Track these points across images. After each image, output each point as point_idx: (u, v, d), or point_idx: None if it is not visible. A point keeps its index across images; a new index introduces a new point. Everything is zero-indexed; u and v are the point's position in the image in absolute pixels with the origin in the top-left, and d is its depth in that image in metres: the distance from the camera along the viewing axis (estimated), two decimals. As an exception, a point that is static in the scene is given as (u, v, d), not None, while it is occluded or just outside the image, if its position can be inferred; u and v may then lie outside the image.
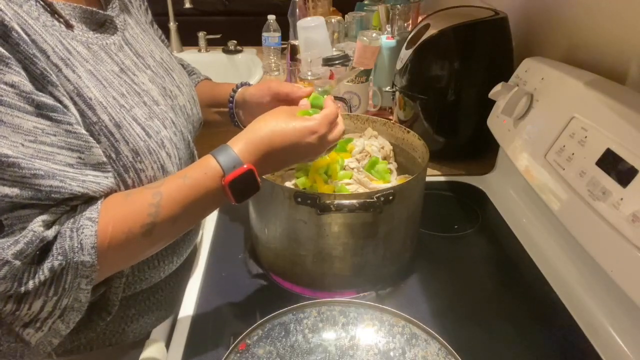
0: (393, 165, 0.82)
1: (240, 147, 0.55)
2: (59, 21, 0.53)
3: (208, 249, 0.81)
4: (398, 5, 1.27)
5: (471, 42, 0.96)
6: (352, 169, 0.77)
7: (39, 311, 0.48)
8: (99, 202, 0.51)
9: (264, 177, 0.60)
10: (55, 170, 0.47)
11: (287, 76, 1.46)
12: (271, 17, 1.59)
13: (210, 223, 0.87)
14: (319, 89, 0.98)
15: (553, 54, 0.92)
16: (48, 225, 0.47)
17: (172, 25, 1.75)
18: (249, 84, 0.79)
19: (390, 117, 1.22)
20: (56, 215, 0.48)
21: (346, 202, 0.60)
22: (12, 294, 0.45)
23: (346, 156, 0.79)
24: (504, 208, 0.91)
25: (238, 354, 0.54)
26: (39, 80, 0.48)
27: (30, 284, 0.46)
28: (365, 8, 1.63)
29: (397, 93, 1.09)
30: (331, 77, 1.22)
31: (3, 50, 0.44)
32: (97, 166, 0.52)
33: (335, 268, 0.68)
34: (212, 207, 0.58)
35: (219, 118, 0.82)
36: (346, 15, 1.64)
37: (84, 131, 0.50)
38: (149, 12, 0.78)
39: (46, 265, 0.46)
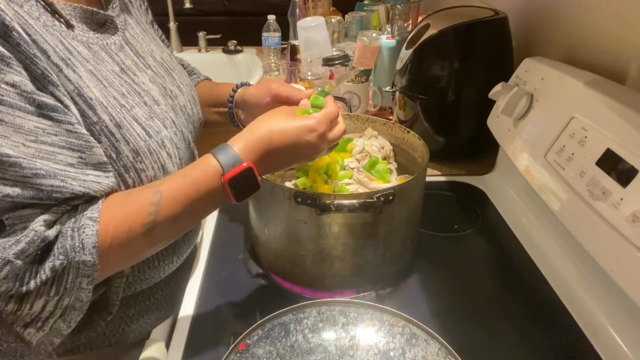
0: (393, 165, 0.82)
1: (240, 146, 0.55)
2: (60, 21, 0.53)
3: (208, 249, 0.81)
4: (398, 5, 1.27)
5: (471, 42, 0.96)
6: (352, 169, 0.77)
7: (41, 311, 0.48)
8: (100, 201, 0.51)
9: (264, 177, 0.60)
10: (56, 170, 0.47)
11: (287, 76, 1.46)
12: (271, 17, 1.59)
13: (210, 223, 0.87)
14: (319, 89, 0.99)
15: (553, 54, 0.92)
16: (49, 225, 0.47)
17: (172, 25, 1.75)
18: (249, 84, 0.80)
19: (390, 117, 1.22)
20: (57, 214, 0.48)
21: (346, 202, 0.60)
22: (14, 293, 0.45)
23: (346, 156, 0.79)
24: (504, 208, 0.91)
25: (238, 354, 0.54)
26: (40, 80, 0.48)
27: (32, 284, 0.46)
28: (365, 8, 1.64)
29: (397, 93, 1.09)
30: (331, 77, 1.22)
31: (4, 50, 0.44)
32: (98, 166, 0.52)
33: (335, 268, 0.68)
34: (212, 206, 0.58)
35: (219, 118, 0.82)
36: (346, 15, 1.64)
37: (84, 131, 0.50)
38: (149, 12, 0.78)
39: (47, 265, 0.46)
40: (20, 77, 0.45)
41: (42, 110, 0.47)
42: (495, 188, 0.97)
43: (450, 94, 0.99)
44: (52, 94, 0.48)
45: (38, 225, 0.46)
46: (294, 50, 1.40)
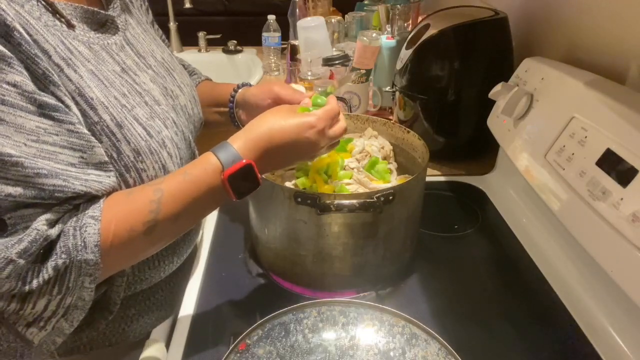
0: (393, 165, 0.82)
1: (240, 143, 0.55)
2: (61, 21, 0.53)
3: (208, 249, 0.81)
4: (398, 5, 1.27)
5: (471, 42, 0.96)
6: (352, 169, 0.77)
7: (43, 310, 0.48)
8: (101, 200, 0.51)
9: (263, 177, 0.60)
10: (57, 169, 0.47)
11: (287, 76, 1.46)
12: (271, 17, 1.59)
13: (210, 223, 0.87)
14: (319, 89, 0.99)
15: (553, 54, 0.92)
16: (51, 224, 0.48)
17: (172, 25, 1.75)
18: (250, 85, 0.80)
19: (390, 117, 1.22)
20: (59, 214, 0.49)
21: (346, 202, 0.60)
22: (16, 293, 0.45)
23: (346, 156, 0.79)
24: (504, 208, 0.91)
25: (238, 354, 0.54)
26: (41, 80, 0.48)
27: (34, 283, 0.46)
28: (365, 8, 1.63)
29: (397, 93, 1.09)
30: (331, 77, 1.22)
31: (5, 50, 0.44)
32: (99, 165, 0.52)
33: (335, 268, 0.68)
34: (212, 205, 0.58)
35: (220, 118, 0.82)
36: (346, 15, 1.64)
37: (86, 131, 0.51)
38: (150, 12, 0.78)
39: (50, 264, 0.46)
40: (21, 77, 0.45)
41: (43, 110, 0.47)
42: (495, 188, 0.97)
43: (450, 94, 0.99)
44: (53, 94, 0.49)
45: (40, 224, 0.46)
46: (294, 50, 1.40)
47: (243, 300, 0.71)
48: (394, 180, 0.78)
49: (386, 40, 1.24)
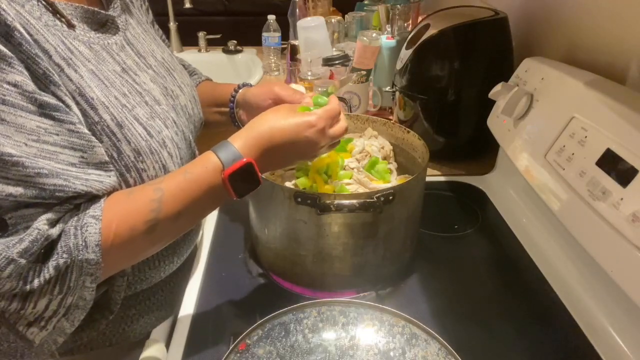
0: (393, 165, 0.82)
1: (240, 142, 0.56)
2: (61, 21, 0.53)
3: (208, 249, 0.81)
4: (398, 5, 1.27)
5: (471, 42, 0.96)
6: (352, 169, 0.77)
7: (44, 310, 0.48)
8: (102, 200, 0.51)
9: (263, 177, 0.60)
10: (58, 169, 0.47)
11: (287, 76, 1.46)
12: (271, 17, 1.59)
13: (210, 223, 0.87)
14: (320, 89, 0.99)
15: (553, 54, 0.92)
16: (52, 224, 0.48)
17: (172, 25, 1.75)
18: (251, 85, 0.80)
19: (390, 117, 1.22)
20: (60, 213, 0.49)
21: (346, 202, 0.60)
22: (17, 292, 0.45)
23: (346, 156, 0.79)
24: (504, 208, 0.91)
25: (238, 354, 0.54)
26: (42, 80, 0.48)
27: (36, 283, 0.46)
28: (365, 8, 1.64)
29: (397, 93, 1.09)
30: (331, 77, 1.22)
31: (6, 50, 0.44)
32: (100, 165, 0.52)
33: (335, 268, 0.68)
34: (213, 204, 0.58)
35: (220, 118, 0.82)
36: (346, 15, 1.64)
37: (86, 131, 0.51)
38: (150, 12, 0.78)
39: (51, 264, 0.46)
40: (22, 77, 0.45)
41: (44, 110, 0.47)
42: (495, 188, 0.97)
43: (450, 94, 0.99)
44: (53, 94, 0.49)
45: (41, 224, 0.46)
46: (294, 50, 1.40)
47: (243, 300, 0.71)
48: (394, 180, 0.78)
49: (386, 40, 1.24)
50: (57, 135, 0.48)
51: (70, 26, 0.54)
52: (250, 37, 1.79)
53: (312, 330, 0.59)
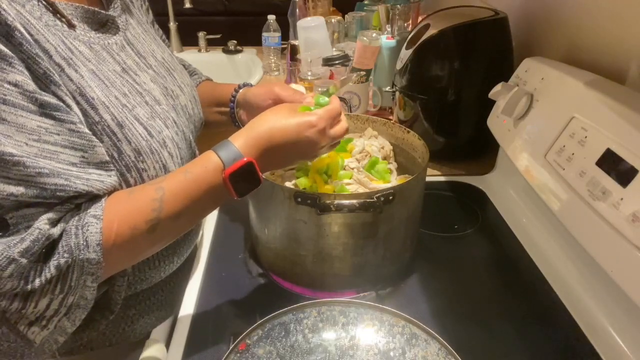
0: (393, 165, 0.82)
1: (241, 142, 0.56)
2: (61, 21, 0.53)
3: (208, 249, 0.81)
4: (398, 5, 1.27)
5: (471, 42, 0.96)
6: (352, 169, 0.77)
7: (45, 309, 0.48)
8: (103, 199, 0.51)
9: (264, 176, 0.60)
10: (59, 168, 0.47)
11: (287, 76, 1.46)
12: (271, 17, 1.59)
13: (210, 223, 0.87)
14: (320, 90, 0.99)
15: (553, 54, 0.92)
16: (53, 223, 0.48)
17: (172, 25, 1.75)
18: (251, 85, 0.80)
19: (390, 117, 1.22)
20: (61, 213, 0.49)
21: (346, 202, 0.60)
22: (19, 292, 0.46)
23: (346, 156, 0.79)
24: (504, 208, 0.91)
25: (238, 354, 0.54)
26: (42, 80, 0.48)
27: (37, 282, 0.46)
28: (365, 8, 1.64)
29: (397, 93, 1.10)
30: (331, 77, 1.22)
31: (6, 50, 0.44)
32: (100, 165, 0.52)
33: (335, 268, 0.68)
34: (214, 203, 0.58)
35: (221, 118, 0.82)
36: (346, 15, 1.64)
37: (87, 130, 0.51)
38: (150, 12, 0.78)
39: (52, 263, 0.46)
40: (22, 77, 0.45)
41: (44, 110, 0.47)
42: (495, 188, 0.97)
43: (450, 94, 0.99)
44: (54, 94, 0.49)
45: (42, 223, 0.46)
46: (294, 50, 1.40)
47: (243, 300, 0.71)
48: (394, 180, 0.78)
49: (386, 40, 1.24)
50: (58, 135, 0.48)
51: (71, 26, 0.54)
52: (250, 37, 1.79)
53: (312, 330, 0.59)
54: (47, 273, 0.46)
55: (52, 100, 0.48)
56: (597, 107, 0.65)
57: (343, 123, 0.63)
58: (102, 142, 0.53)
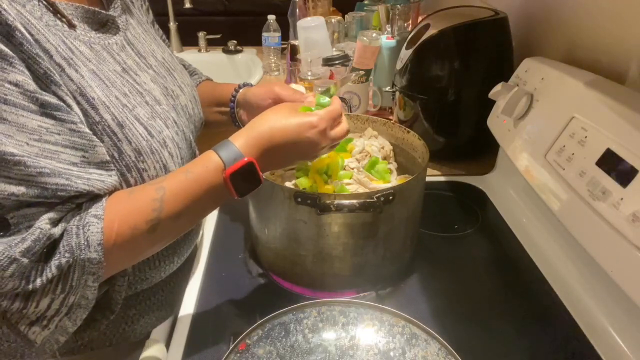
0: (393, 165, 0.82)
1: (241, 142, 0.56)
2: (62, 21, 0.53)
3: (208, 249, 0.81)
4: (398, 5, 1.27)
5: (471, 42, 0.96)
6: (352, 169, 0.77)
7: (46, 309, 0.48)
8: (104, 199, 0.51)
9: (264, 176, 0.60)
10: (60, 168, 0.47)
11: (287, 76, 1.46)
12: (271, 17, 1.59)
13: (210, 223, 0.87)
14: (320, 89, 0.99)
15: (553, 54, 0.92)
16: (54, 223, 0.48)
17: (172, 25, 1.75)
18: (251, 85, 0.80)
19: (390, 117, 1.22)
20: (62, 213, 0.49)
21: (346, 202, 0.60)
22: (20, 292, 0.46)
23: (346, 156, 0.79)
24: (504, 208, 0.91)
25: (238, 354, 0.54)
26: (43, 80, 0.48)
27: (38, 282, 0.46)
28: (365, 8, 1.64)
29: (397, 93, 1.10)
30: (331, 77, 1.22)
31: (7, 50, 0.44)
32: (101, 165, 0.52)
33: (335, 268, 0.68)
34: (214, 203, 0.58)
35: (221, 118, 0.82)
36: (346, 15, 1.64)
37: (87, 130, 0.51)
38: (150, 12, 0.78)
39: (53, 263, 0.46)
40: (23, 77, 0.45)
41: (45, 110, 0.47)
42: (495, 188, 0.97)
43: (450, 94, 0.99)
44: (54, 94, 0.49)
45: (43, 223, 0.46)
46: (294, 50, 1.40)
47: (243, 300, 0.71)
48: (394, 180, 0.78)
49: (386, 40, 1.24)
50: (59, 134, 0.48)
51: (71, 26, 0.54)
52: (250, 37, 1.79)
53: (312, 330, 0.59)
54: (49, 273, 0.46)
55: (53, 100, 0.48)
56: (597, 107, 0.65)
57: (344, 125, 0.64)
58: (102, 142, 0.53)
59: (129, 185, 0.56)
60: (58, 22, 0.53)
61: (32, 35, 0.48)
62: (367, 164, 0.78)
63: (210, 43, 1.80)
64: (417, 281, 0.74)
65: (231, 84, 0.81)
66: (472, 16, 0.95)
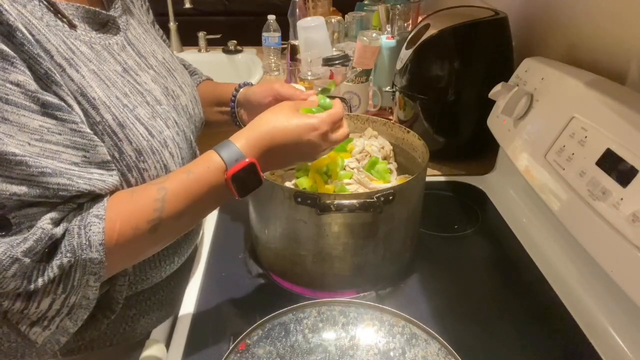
0: (393, 165, 0.82)
1: (242, 142, 0.56)
2: (62, 21, 0.53)
3: (208, 249, 0.81)
4: (398, 5, 1.27)
5: (471, 42, 0.96)
6: (352, 169, 0.77)
7: (47, 309, 0.48)
8: (105, 199, 0.51)
9: (264, 176, 0.60)
10: (61, 168, 0.48)
11: (287, 76, 1.46)
12: (271, 17, 1.59)
13: (210, 223, 0.87)
14: (319, 89, 0.99)
15: (553, 54, 0.92)
16: (56, 223, 0.48)
17: (172, 25, 1.75)
18: (252, 84, 0.80)
19: (390, 117, 1.22)
20: (64, 212, 0.49)
21: (346, 202, 0.60)
22: (21, 291, 0.46)
23: (346, 156, 0.79)
24: (504, 208, 0.91)
25: (238, 354, 0.54)
26: (44, 80, 0.48)
27: (40, 282, 0.46)
28: (365, 8, 1.64)
29: (397, 93, 1.10)
30: (331, 77, 1.22)
31: (8, 50, 0.45)
32: (102, 165, 0.52)
33: (335, 268, 0.68)
34: (215, 202, 0.58)
35: (221, 117, 0.82)
36: (346, 15, 1.64)
37: (88, 130, 0.51)
38: (151, 12, 0.78)
39: (55, 263, 0.46)
40: (24, 77, 0.45)
41: (46, 110, 0.47)
42: (495, 188, 0.97)
43: (450, 94, 0.99)
44: (55, 94, 0.49)
45: (45, 223, 0.46)
46: (294, 50, 1.40)
47: (243, 300, 0.71)
48: (394, 180, 0.78)
49: (386, 40, 1.24)
50: (60, 134, 0.48)
51: (72, 26, 0.54)
52: (250, 37, 1.79)
53: (312, 330, 0.59)
54: (50, 273, 0.46)
55: (54, 100, 0.48)
56: (597, 107, 0.65)
57: (344, 129, 0.64)
58: (103, 142, 0.53)
59: (129, 185, 0.56)
60: (59, 22, 0.53)
61: (33, 35, 0.48)
62: (367, 164, 0.78)
63: (210, 43, 1.80)
64: (417, 281, 0.74)
65: (231, 84, 0.81)
66: (472, 16, 0.95)
